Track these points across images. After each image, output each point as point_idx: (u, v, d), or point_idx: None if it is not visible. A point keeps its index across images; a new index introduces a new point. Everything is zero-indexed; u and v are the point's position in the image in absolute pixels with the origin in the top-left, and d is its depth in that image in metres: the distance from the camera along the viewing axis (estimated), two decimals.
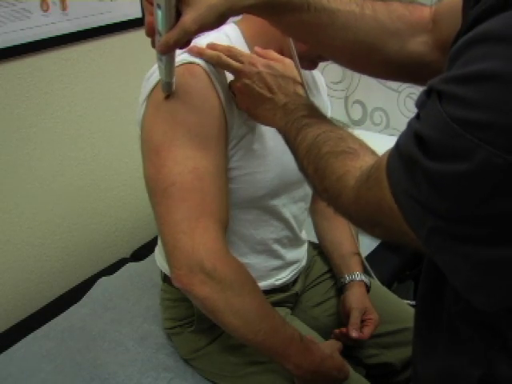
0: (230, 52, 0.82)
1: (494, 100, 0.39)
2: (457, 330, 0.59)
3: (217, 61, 0.81)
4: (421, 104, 0.47)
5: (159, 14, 0.66)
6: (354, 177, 0.57)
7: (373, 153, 0.62)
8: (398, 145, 0.49)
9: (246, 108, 0.81)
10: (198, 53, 0.82)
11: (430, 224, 0.46)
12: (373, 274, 1.24)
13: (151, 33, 0.71)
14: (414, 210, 0.47)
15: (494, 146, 0.39)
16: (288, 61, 0.82)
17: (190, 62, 0.82)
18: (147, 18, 0.71)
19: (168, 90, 0.77)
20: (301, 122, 0.72)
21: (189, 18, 0.66)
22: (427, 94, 0.46)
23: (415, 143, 0.45)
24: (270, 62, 0.80)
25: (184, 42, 0.69)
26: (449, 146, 0.42)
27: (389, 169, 0.50)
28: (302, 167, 0.70)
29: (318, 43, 0.74)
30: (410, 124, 0.48)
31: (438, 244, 0.46)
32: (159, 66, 0.75)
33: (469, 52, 0.42)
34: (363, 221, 0.58)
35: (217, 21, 0.68)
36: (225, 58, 0.81)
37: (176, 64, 0.82)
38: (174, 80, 0.76)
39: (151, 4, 0.69)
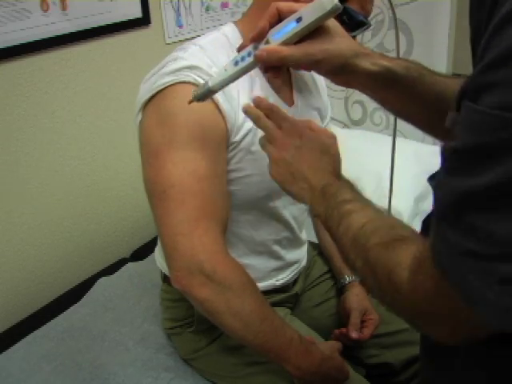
0: (273, 112, 0.73)
1: None
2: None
3: (254, 121, 0.75)
4: (452, 122, 0.42)
5: (292, 25, 0.63)
6: (406, 267, 0.50)
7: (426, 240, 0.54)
8: (435, 206, 0.44)
9: (280, 180, 0.73)
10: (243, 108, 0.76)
11: (499, 275, 0.39)
12: None
13: (260, 38, 0.67)
14: (474, 268, 0.40)
15: None
16: (329, 132, 0.74)
17: (184, 82, 0.80)
18: (263, 23, 0.66)
19: (204, 98, 0.72)
20: (343, 207, 0.63)
21: (319, 46, 0.65)
22: (457, 108, 0.42)
23: (452, 172, 0.40)
24: (311, 134, 0.71)
25: (289, 64, 0.67)
26: (504, 141, 0.37)
27: (432, 243, 0.45)
28: (347, 259, 0.62)
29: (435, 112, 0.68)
30: (441, 173, 0.43)
31: None
32: (223, 71, 0.69)
33: (498, 37, 0.38)
34: (424, 319, 0.50)
35: (339, 68, 0.67)
36: (263, 120, 0.73)
37: (168, 83, 0.80)
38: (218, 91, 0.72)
39: (279, 14, 0.66)
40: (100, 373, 1.08)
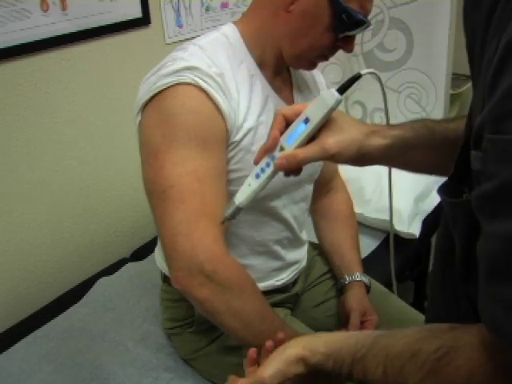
0: None
1: None
2: None
3: None
4: (480, 161, 0.39)
5: (301, 127, 0.65)
6: (480, 365, 0.45)
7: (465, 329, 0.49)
8: (481, 267, 0.41)
9: None
10: None
11: None
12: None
13: (274, 147, 0.67)
14: None
15: None
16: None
17: (182, 83, 0.81)
18: (273, 133, 0.67)
19: (234, 216, 0.72)
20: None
21: (331, 140, 0.65)
22: (474, 146, 0.39)
23: (496, 217, 0.38)
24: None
25: (312, 161, 0.66)
26: None
27: (486, 313, 0.42)
28: None
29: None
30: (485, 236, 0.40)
31: None
32: (247, 187, 0.70)
33: (505, 66, 0.36)
34: None
35: (355, 154, 0.67)
36: None
37: (167, 85, 0.80)
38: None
39: (287, 120, 0.68)
40: (100, 373, 1.08)
